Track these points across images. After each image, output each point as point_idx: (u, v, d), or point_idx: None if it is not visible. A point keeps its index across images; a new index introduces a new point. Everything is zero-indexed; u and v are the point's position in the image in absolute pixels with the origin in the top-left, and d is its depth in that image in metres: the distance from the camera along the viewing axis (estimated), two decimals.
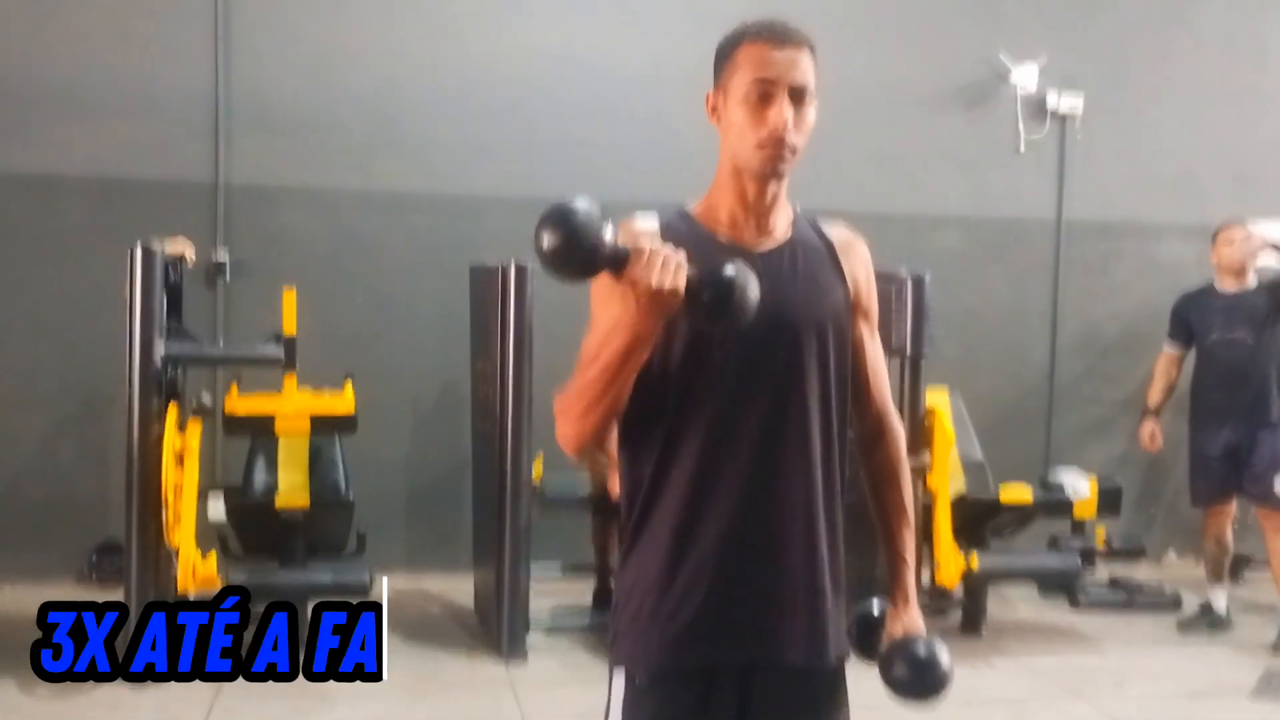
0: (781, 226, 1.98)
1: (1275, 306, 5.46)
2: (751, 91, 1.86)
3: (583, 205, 1.68)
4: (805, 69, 1.88)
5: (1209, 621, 5.61)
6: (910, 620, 2.06)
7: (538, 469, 5.09)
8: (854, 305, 2.02)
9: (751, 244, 1.94)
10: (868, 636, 2.08)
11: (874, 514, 2.13)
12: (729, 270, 1.69)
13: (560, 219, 1.67)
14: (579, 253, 1.67)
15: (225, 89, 5.93)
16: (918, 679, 2.01)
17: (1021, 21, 6.83)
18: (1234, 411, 5.45)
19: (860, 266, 2.04)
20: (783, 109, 1.86)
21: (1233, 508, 5.66)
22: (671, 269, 1.67)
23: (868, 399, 2.07)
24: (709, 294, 1.69)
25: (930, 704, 2.04)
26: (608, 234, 1.68)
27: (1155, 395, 5.89)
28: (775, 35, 1.88)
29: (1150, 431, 5.89)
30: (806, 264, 1.96)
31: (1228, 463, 5.50)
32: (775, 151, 1.87)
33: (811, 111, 1.91)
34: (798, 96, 1.88)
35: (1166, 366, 5.84)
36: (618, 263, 1.68)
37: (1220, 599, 5.65)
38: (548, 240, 1.67)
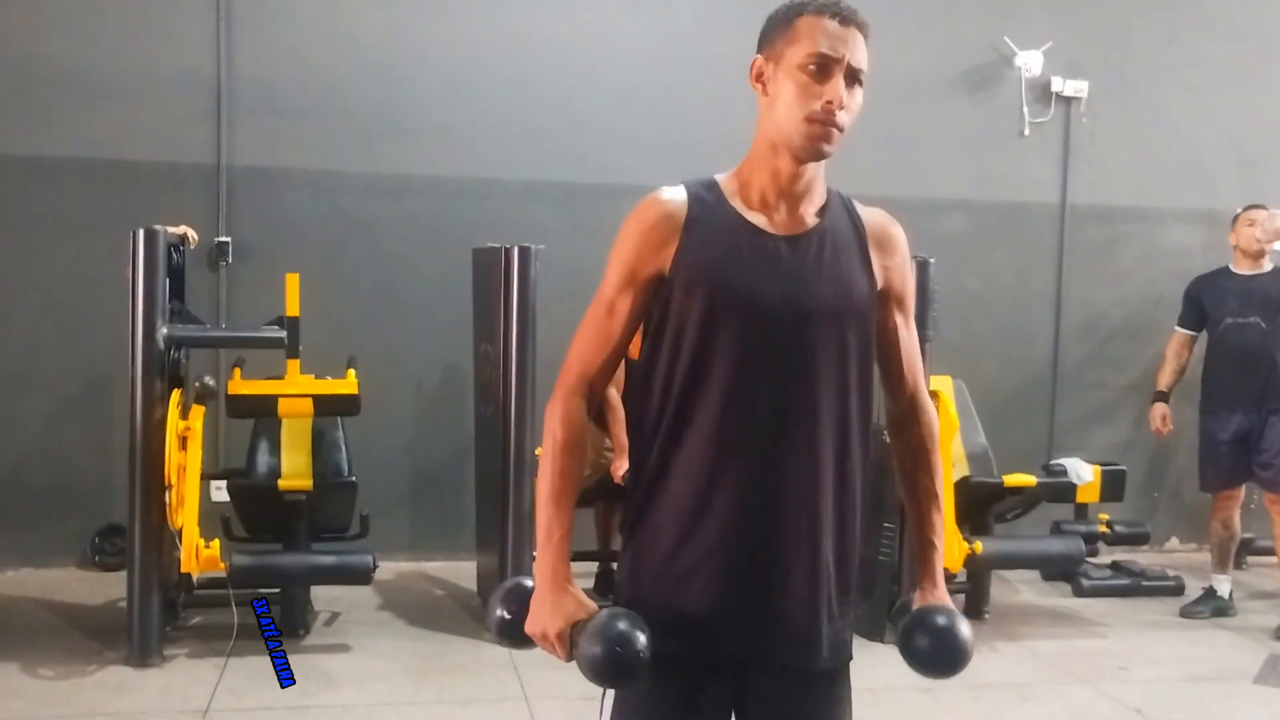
0: (813, 211, 1.93)
1: None
2: (809, 63, 1.82)
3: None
4: (863, 50, 1.86)
5: (1213, 607, 5.60)
6: (936, 599, 2.02)
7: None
8: (887, 293, 1.97)
9: (780, 228, 1.90)
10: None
11: (904, 496, 2.10)
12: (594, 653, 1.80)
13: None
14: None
15: (228, 71, 5.91)
16: (934, 650, 1.97)
17: (1027, 5, 6.80)
18: (1245, 396, 5.44)
19: (894, 255, 1.99)
20: (839, 85, 1.82)
21: (1241, 494, 5.66)
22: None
23: (900, 383, 2.05)
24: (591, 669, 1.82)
25: (949, 675, 2.00)
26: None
27: (1166, 378, 5.87)
28: (840, 12, 1.84)
29: (1161, 414, 5.86)
30: (834, 252, 1.91)
31: (1238, 448, 5.49)
32: (824, 129, 1.82)
33: (860, 95, 1.87)
34: (852, 78, 1.85)
35: (1178, 349, 5.82)
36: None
37: (1224, 584, 5.65)
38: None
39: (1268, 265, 5.57)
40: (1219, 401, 5.58)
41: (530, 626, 1.87)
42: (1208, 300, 5.66)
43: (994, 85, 6.77)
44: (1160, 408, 5.87)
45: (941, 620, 1.97)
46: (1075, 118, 6.84)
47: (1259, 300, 5.47)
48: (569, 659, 1.83)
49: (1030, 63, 6.66)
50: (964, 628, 1.98)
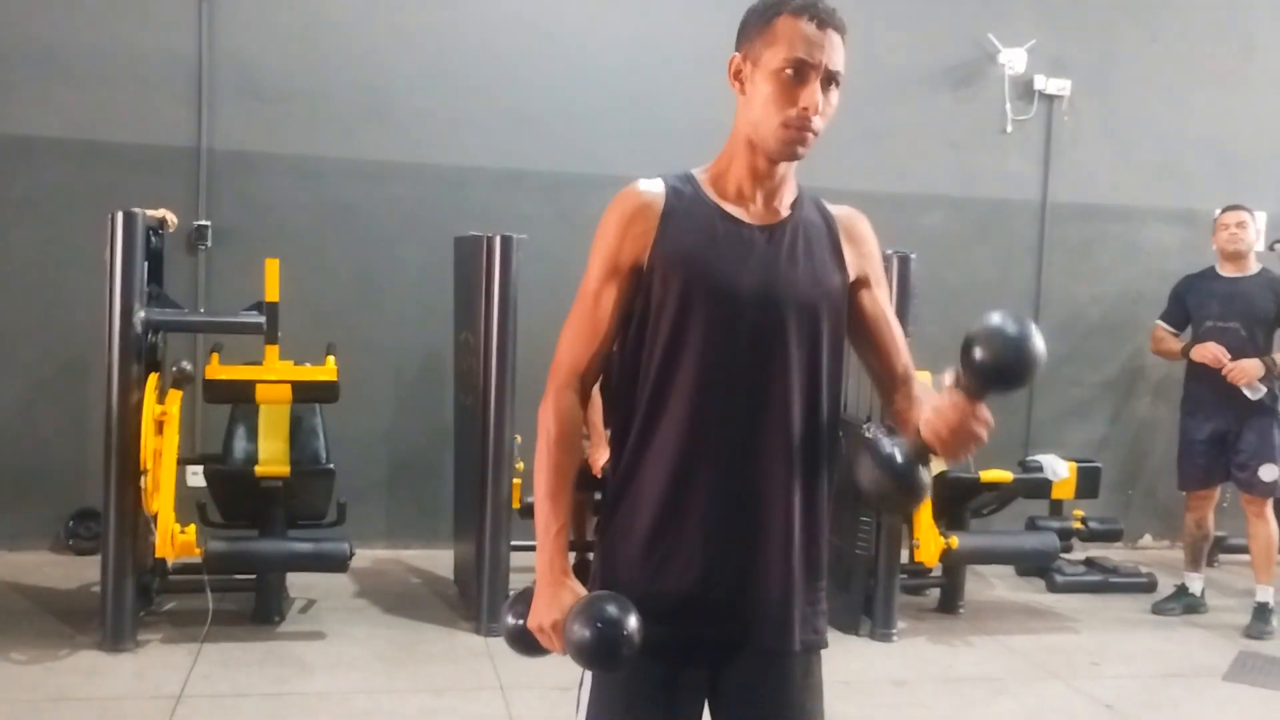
0: (787, 203, 1.96)
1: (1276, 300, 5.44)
2: (786, 68, 1.82)
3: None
4: (840, 53, 1.86)
5: (1184, 604, 5.65)
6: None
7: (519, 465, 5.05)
8: (864, 280, 1.99)
9: (755, 218, 1.93)
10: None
11: (908, 426, 1.93)
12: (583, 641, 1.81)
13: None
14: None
15: (209, 54, 5.87)
16: (1007, 358, 1.75)
17: (1012, 3, 6.83)
18: (1222, 400, 5.45)
19: (864, 244, 2.01)
20: (815, 91, 1.83)
21: (1216, 494, 5.69)
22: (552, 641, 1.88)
23: (894, 366, 2.04)
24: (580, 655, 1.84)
25: (1020, 385, 1.81)
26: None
27: (1174, 343, 5.69)
28: (818, 14, 1.84)
29: (1205, 346, 5.46)
30: (806, 244, 1.94)
31: (1214, 449, 5.52)
32: (799, 134, 1.84)
33: (836, 97, 1.87)
34: (828, 81, 1.85)
35: (1164, 336, 5.76)
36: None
37: (1196, 582, 5.69)
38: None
39: (1253, 268, 5.56)
40: (1197, 403, 5.60)
41: (531, 621, 1.89)
42: (1192, 301, 5.66)
43: (977, 82, 6.79)
44: (1200, 348, 5.46)
45: (1014, 326, 1.75)
46: (1057, 116, 6.87)
47: (1241, 305, 5.48)
48: (565, 651, 1.85)
49: (1014, 60, 6.68)
50: (1035, 336, 1.77)
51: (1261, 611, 5.39)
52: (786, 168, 1.92)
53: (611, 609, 1.80)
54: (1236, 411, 5.44)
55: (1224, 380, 5.39)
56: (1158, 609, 5.67)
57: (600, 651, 1.80)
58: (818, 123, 1.84)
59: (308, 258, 5.80)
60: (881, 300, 2.03)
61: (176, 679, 4.22)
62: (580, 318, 1.92)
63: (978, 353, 1.74)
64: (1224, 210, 5.62)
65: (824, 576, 2.00)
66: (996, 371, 1.75)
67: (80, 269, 5.32)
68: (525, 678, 4.31)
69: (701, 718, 1.99)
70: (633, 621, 1.79)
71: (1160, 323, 5.81)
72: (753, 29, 1.88)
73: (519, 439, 4.91)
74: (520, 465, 4.99)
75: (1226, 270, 5.58)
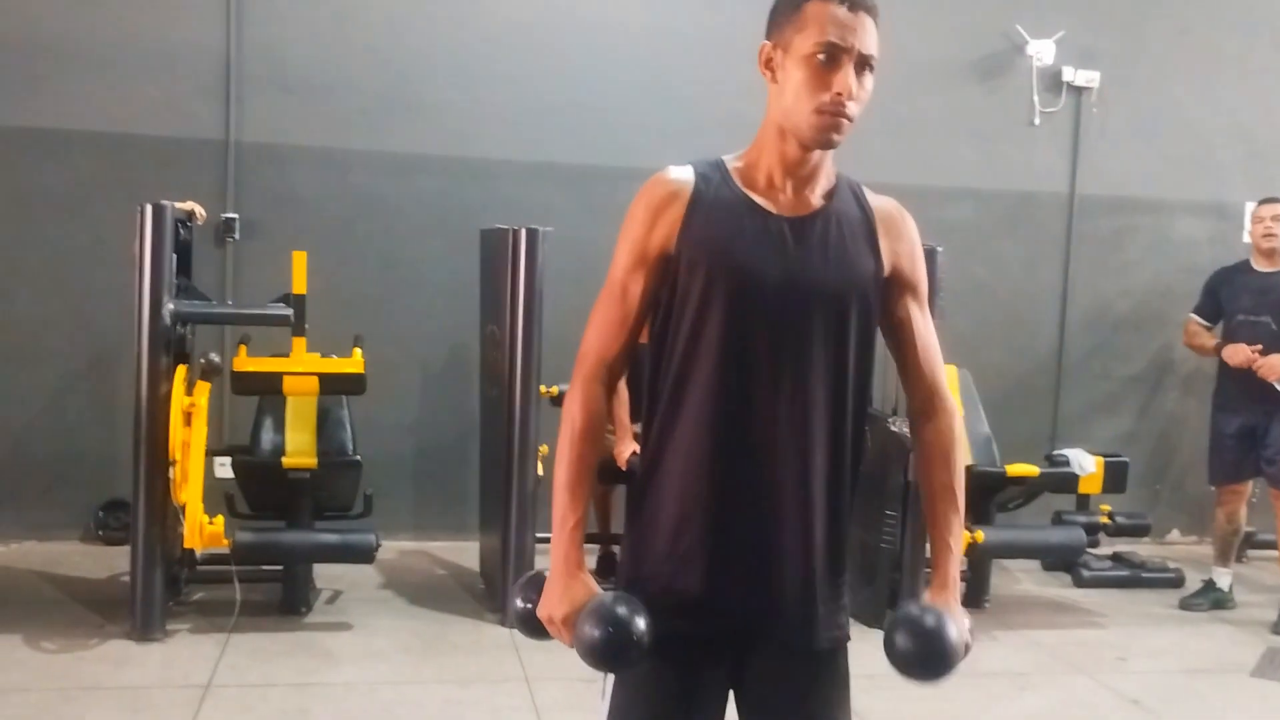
0: (820, 194, 1.92)
1: None
2: (817, 53, 1.79)
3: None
4: (873, 37, 1.82)
5: (1212, 599, 5.61)
6: (943, 603, 1.91)
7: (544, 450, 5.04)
8: (896, 279, 1.95)
9: (784, 209, 1.89)
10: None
11: (922, 493, 2.02)
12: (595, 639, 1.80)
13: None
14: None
15: (238, 47, 5.90)
16: (918, 650, 1.85)
17: None
18: (1252, 394, 5.41)
19: (903, 242, 1.96)
20: (848, 75, 1.79)
21: (1247, 489, 5.65)
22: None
23: (917, 376, 1.99)
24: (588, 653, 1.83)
25: (934, 679, 1.88)
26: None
27: (1207, 338, 5.69)
28: None
29: (1236, 348, 5.44)
30: (838, 235, 1.89)
31: (1244, 443, 5.48)
32: (833, 120, 1.80)
33: (870, 82, 1.84)
34: (861, 65, 1.82)
35: (1198, 328, 5.74)
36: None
37: (1225, 578, 5.65)
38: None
39: None
40: (1227, 397, 5.56)
41: (540, 610, 1.89)
42: (1225, 294, 5.62)
43: (1005, 74, 6.74)
44: (1232, 350, 5.45)
45: (930, 621, 1.85)
46: (1086, 108, 6.81)
47: (1273, 300, 5.43)
48: (573, 645, 1.85)
49: (1042, 52, 6.63)
50: (952, 631, 1.85)
51: None
52: (820, 156, 1.88)
53: (621, 611, 1.80)
54: (1266, 406, 5.40)
55: (1254, 375, 5.35)
56: (1185, 604, 5.63)
57: (608, 653, 1.80)
58: (852, 108, 1.81)
59: (335, 250, 5.83)
60: (913, 308, 1.98)
61: (205, 668, 4.25)
62: (608, 307, 1.91)
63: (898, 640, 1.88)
64: (1260, 203, 5.56)
65: (845, 570, 1.99)
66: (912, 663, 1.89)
67: (109, 262, 5.36)
68: (550, 669, 4.33)
69: (724, 712, 1.98)
70: (641, 624, 1.79)
71: (1193, 316, 5.77)
72: (782, 15, 1.85)
73: (544, 450, 4.90)
74: (544, 449, 4.98)
75: (1260, 264, 5.53)
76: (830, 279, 1.88)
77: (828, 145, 1.85)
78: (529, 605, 1.93)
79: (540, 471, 4.91)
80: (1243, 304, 5.51)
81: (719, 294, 1.83)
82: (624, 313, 1.89)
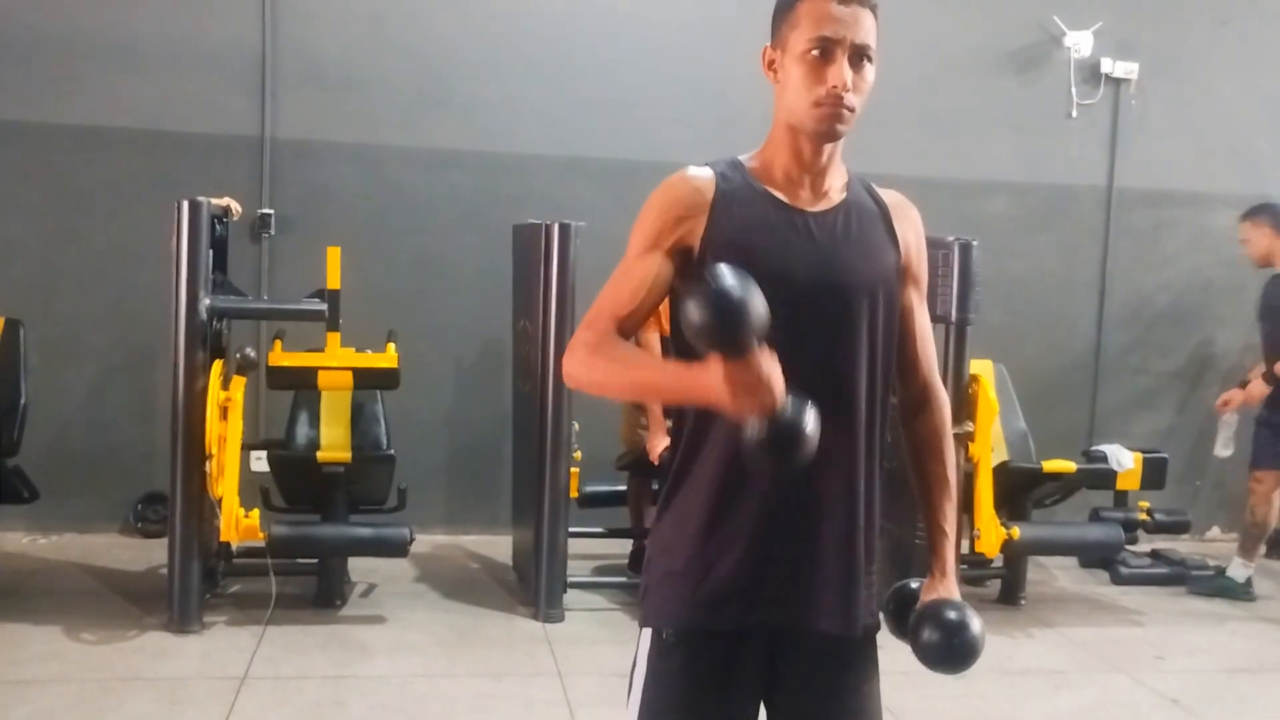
0: (836, 187, 1.94)
1: None
2: (811, 49, 1.82)
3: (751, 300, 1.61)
4: (868, 28, 1.84)
5: (1219, 585, 5.63)
6: (946, 591, 2.00)
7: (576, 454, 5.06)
8: (904, 271, 1.98)
9: (806, 203, 1.91)
10: (903, 613, 2.01)
11: (914, 484, 2.09)
12: (803, 423, 1.63)
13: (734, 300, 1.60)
14: (733, 327, 1.60)
15: (273, 44, 5.94)
16: (945, 643, 1.93)
17: None
18: None
19: (912, 232, 2.00)
20: (842, 68, 1.81)
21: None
22: (774, 394, 1.61)
23: (914, 367, 2.04)
24: (776, 436, 1.63)
25: (959, 670, 1.97)
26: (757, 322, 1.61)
27: None
28: None
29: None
30: (860, 227, 1.92)
31: None
32: (833, 111, 1.83)
33: (870, 72, 1.86)
34: (858, 56, 1.83)
35: None
36: (743, 349, 1.60)
37: (1239, 569, 5.63)
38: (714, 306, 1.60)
39: None
40: None
41: (723, 391, 1.63)
42: None
43: (1042, 65, 6.67)
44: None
45: (952, 615, 1.94)
46: (1124, 100, 6.74)
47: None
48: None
49: (1080, 43, 6.56)
50: (975, 623, 1.95)
51: None
52: (832, 149, 1.91)
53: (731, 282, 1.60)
54: None
55: None
56: (1192, 589, 5.68)
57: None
58: (850, 98, 1.83)
59: (369, 246, 5.86)
60: (914, 299, 2.01)
61: (241, 660, 4.29)
62: (615, 283, 1.89)
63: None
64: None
65: (876, 558, 1.99)
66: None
67: (146, 257, 5.41)
68: (583, 664, 4.33)
69: (757, 704, 1.97)
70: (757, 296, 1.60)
71: None
72: (780, 17, 1.89)
73: (577, 426, 4.92)
74: (578, 454, 5.00)
75: None
76: (860, 270, 1.90)
77: (833, 136, 1.87)
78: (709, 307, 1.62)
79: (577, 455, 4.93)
80: None
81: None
82: (631, 285, 1.87)
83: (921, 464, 2.07)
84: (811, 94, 1.83)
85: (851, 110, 1.84)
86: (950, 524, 2.05)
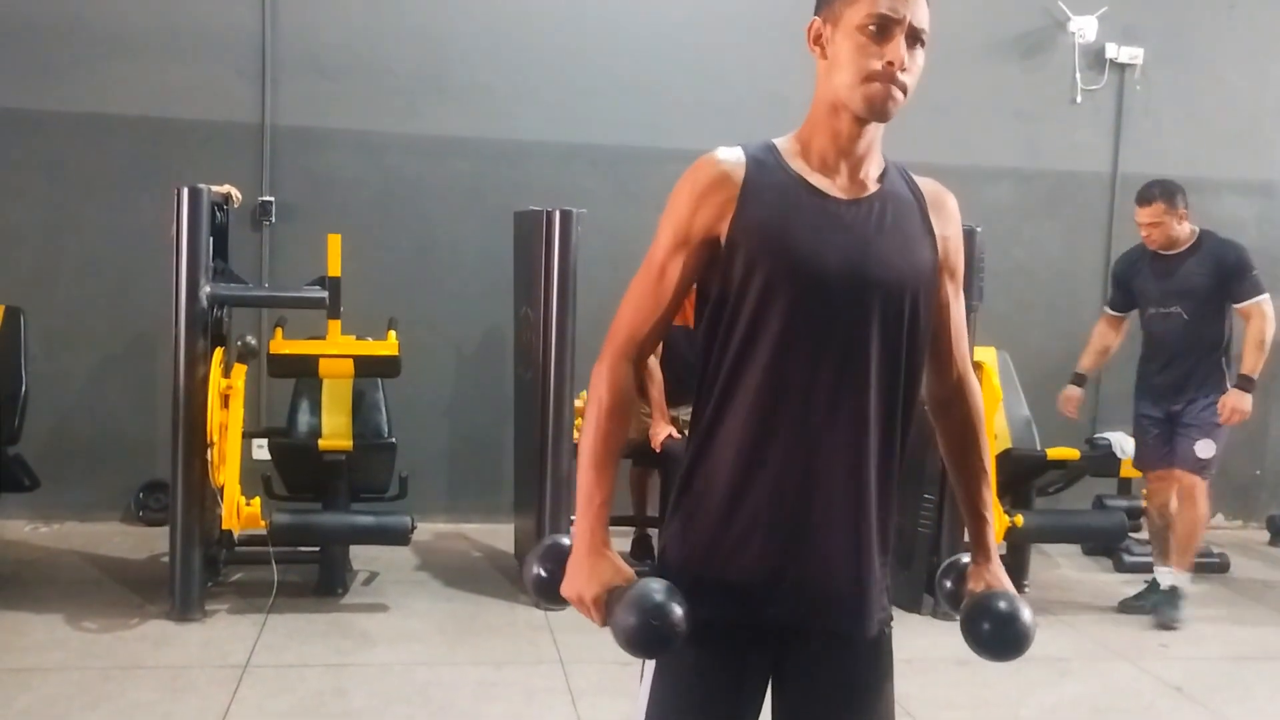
0: (873, 176, 1.88)
1: None
2: (869, 24, 1.76)
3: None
4: (925, 11, 1.80)
5: (1152, 602, 5.11)
6: (993, 576, 2.02)
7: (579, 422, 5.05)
8: (942, 264, 1.92)
9: (841, 191, 1.85)
10: (959, 587, 2.06)
11: (952, 474, 2.08)
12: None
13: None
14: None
15: (273, 31, 5.91)
16: (999, 635, 1.99)
17: None
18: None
19: (950, 224, 1.94)
20: (900, 45, 1.77)
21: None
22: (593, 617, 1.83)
23: (949, 359, 2.00)
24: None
25: (1013, 658, 2.03)
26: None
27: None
28: None
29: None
30: (896, 217, 1.86)
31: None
32: (886, 87, 1.77)
33: (922, 57, 1.81)
34: (913, 39, 1.79)
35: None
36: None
37: (1166, 576, 5.11)
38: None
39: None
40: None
41: (566, 589, 1.85)
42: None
43: (1046, 51, 6.64)
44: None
45: (1004, 605, 1.99)
46: (1129, 85, 6.70)
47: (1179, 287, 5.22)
48: (604, 624, 1.82)
49: (1084, 28, 6.52)
50: (1026, 613, 2.00)
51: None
52: (874, 132, 1.85)
53: (659, 598, 1.77)
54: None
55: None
56: (1124, 606, 5.20)
57: (647, 641, 1.78)
58: (905, 78, 1.78)
59: (370, 233, 5.84)
60: (951, 293, 1.97)
61: (243, 649, 4.28)
62: (643, 287, 1.86)
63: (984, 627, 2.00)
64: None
65: (890, 554, 1.97)
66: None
67: (147, 245, 5.39)
68: (585, 652, 4.33)
69: (764, 698, 1.95)
70: (679, 611, 1.76)
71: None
72: None
73: (582, 396, 4.90)
74: (582, 398, 4.96)
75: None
76: (894, 263, 1.83)
77: (883, 116, 1.80)
78: (544, 573, 1.92)
79: (576, 437, 4.90)
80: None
81: (781, 282, 1.78)
82: (660, 293, 1.85)
83: (958, 455, 2.06)
84: (865, 68, 1.76)
85: (904, 91, 1.79)
86: (989, 510, 2.05)
